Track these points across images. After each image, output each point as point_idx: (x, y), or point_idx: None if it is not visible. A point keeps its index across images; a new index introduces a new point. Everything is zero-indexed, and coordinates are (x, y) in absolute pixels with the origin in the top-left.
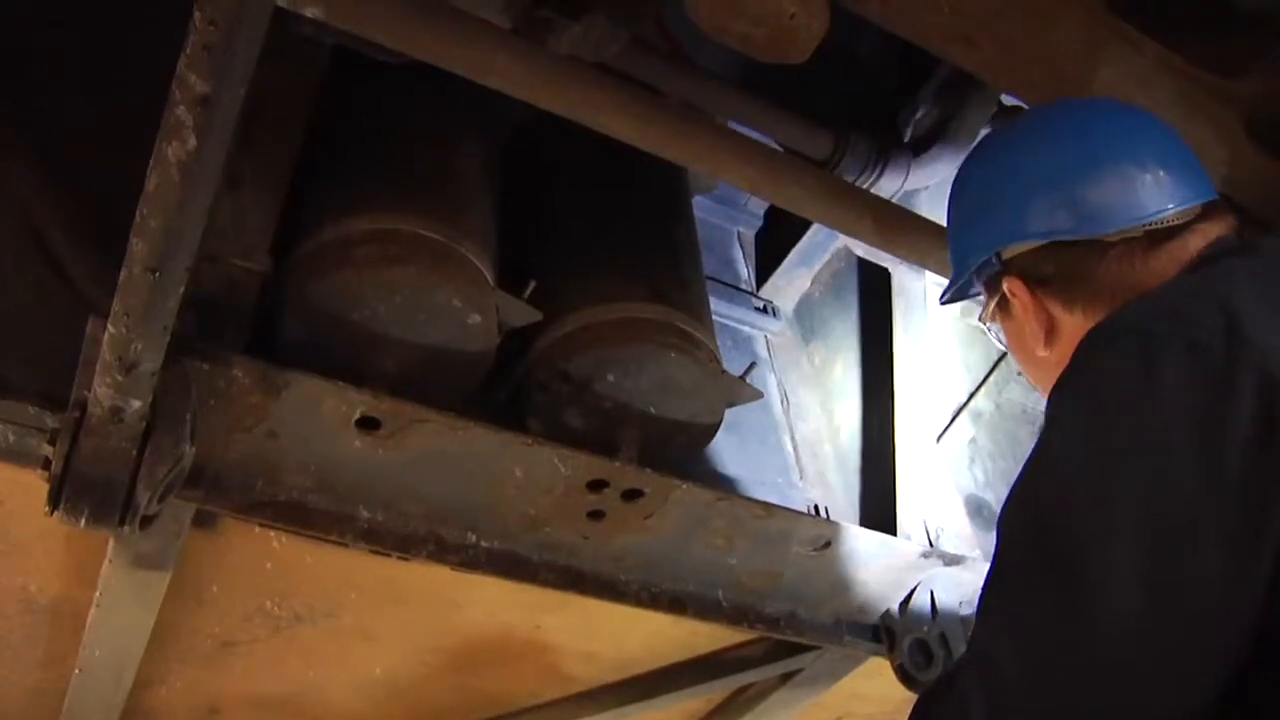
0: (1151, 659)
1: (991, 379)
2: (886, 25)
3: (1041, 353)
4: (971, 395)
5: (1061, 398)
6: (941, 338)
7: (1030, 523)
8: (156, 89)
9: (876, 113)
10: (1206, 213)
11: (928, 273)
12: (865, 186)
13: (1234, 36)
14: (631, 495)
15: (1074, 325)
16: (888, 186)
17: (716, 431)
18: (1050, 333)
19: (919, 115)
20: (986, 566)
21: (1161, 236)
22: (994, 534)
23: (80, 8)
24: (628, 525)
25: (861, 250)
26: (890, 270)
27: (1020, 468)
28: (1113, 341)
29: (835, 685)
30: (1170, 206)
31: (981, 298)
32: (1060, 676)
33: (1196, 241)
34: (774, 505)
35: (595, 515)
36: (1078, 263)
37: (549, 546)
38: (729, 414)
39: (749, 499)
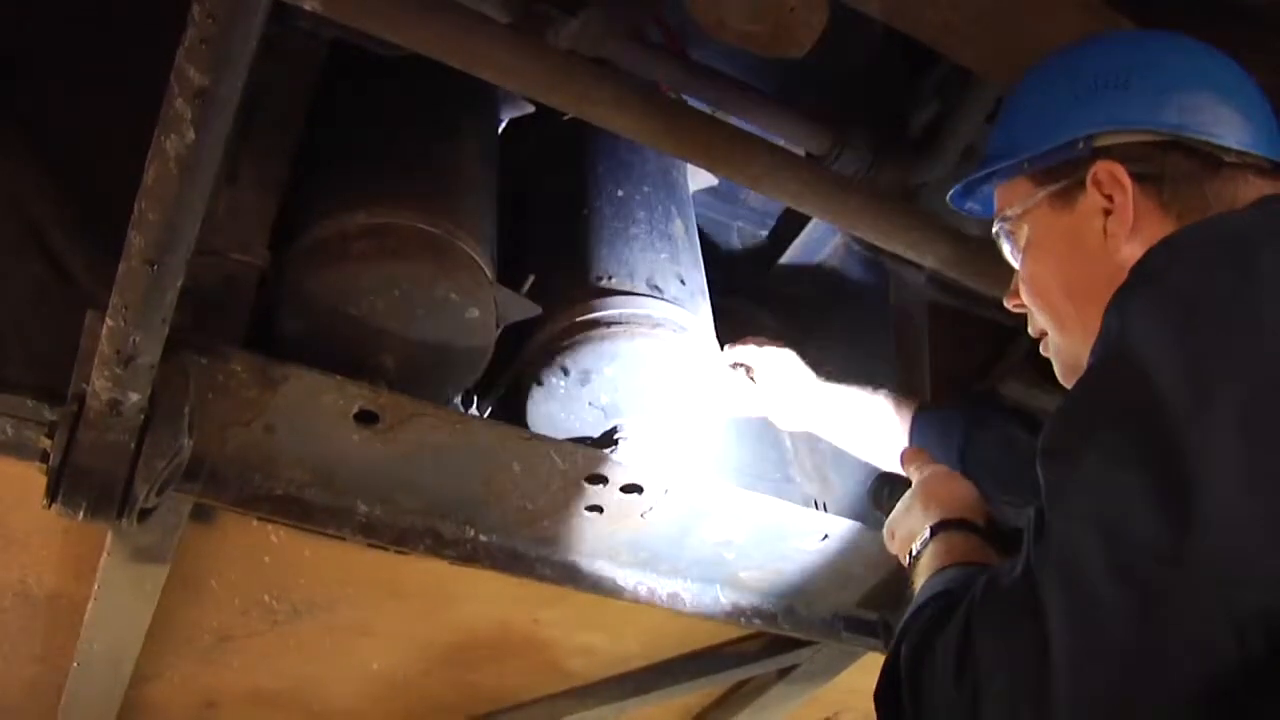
0: (1256, 556)
1: (993, 373)
2: (885, 20)
3: (1123, 248)
4: (971, 391)
5: (1139, 303)
6: (940, 333)
7: (1116, 426)
8: (155, 83)
9: (876, 108)
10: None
11: (926, 268)
12: (864, 181)
13: (1233, 31)
14: (629, 490)
15: (1160, 231)
16: (887, 181)
17: (711, 429)
18: (1133, 232)
19: (919, 110)
20: None
21: (1262, 171)
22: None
23: (79, 3)
24: (626, 520)
25: (860, 245)
26: (889, 265)
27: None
28: (1201, 245)
29: (833, 680)
30: (1274, 154)
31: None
32: (1157, 568)
33: (1270, 188)
34: (772, 500)
35: (593, 509)
36: (1191, 168)
37: (547, 541)
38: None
39: (747, 494)
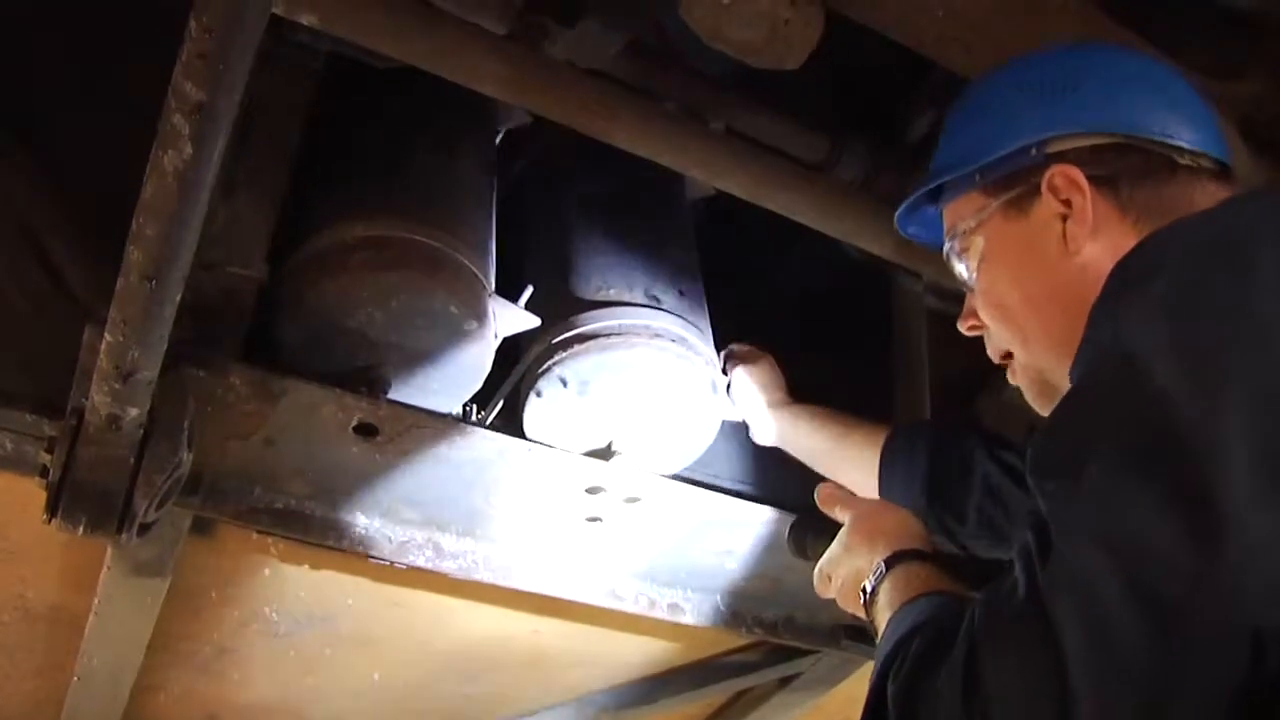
0: (1278, 566)
1: (993, 381)
2: (881, 29)
3: (1084, 250)
4: (970, 397)
5: (1130, 306)
6: (940, 342)
7: (1120, 436)
8: (154, 97)
9: (874, 116)
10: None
11: (925, 276)
12: (862, 190)
13: (1229, 38)
14: (630, 500)
15: (1120, 234)
16: (884, 190)
17: (710, 438)
18: (1092, 235)
19: (917, 118)
20: None
21: (1215, 175)
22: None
23: (80, 15)
24: (625, 530)
25: (858, 254)
26: (887, 273)
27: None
28: (1188, 245)
29: (833, 689)
30: (1227, 160)
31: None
32: (1178, 586)
33: (1225, 192)
34: (772, 509)
35: (593, 520)
36: (1148, 169)
37: (546, 552)
38: (726, 420)
39: (747, 503)
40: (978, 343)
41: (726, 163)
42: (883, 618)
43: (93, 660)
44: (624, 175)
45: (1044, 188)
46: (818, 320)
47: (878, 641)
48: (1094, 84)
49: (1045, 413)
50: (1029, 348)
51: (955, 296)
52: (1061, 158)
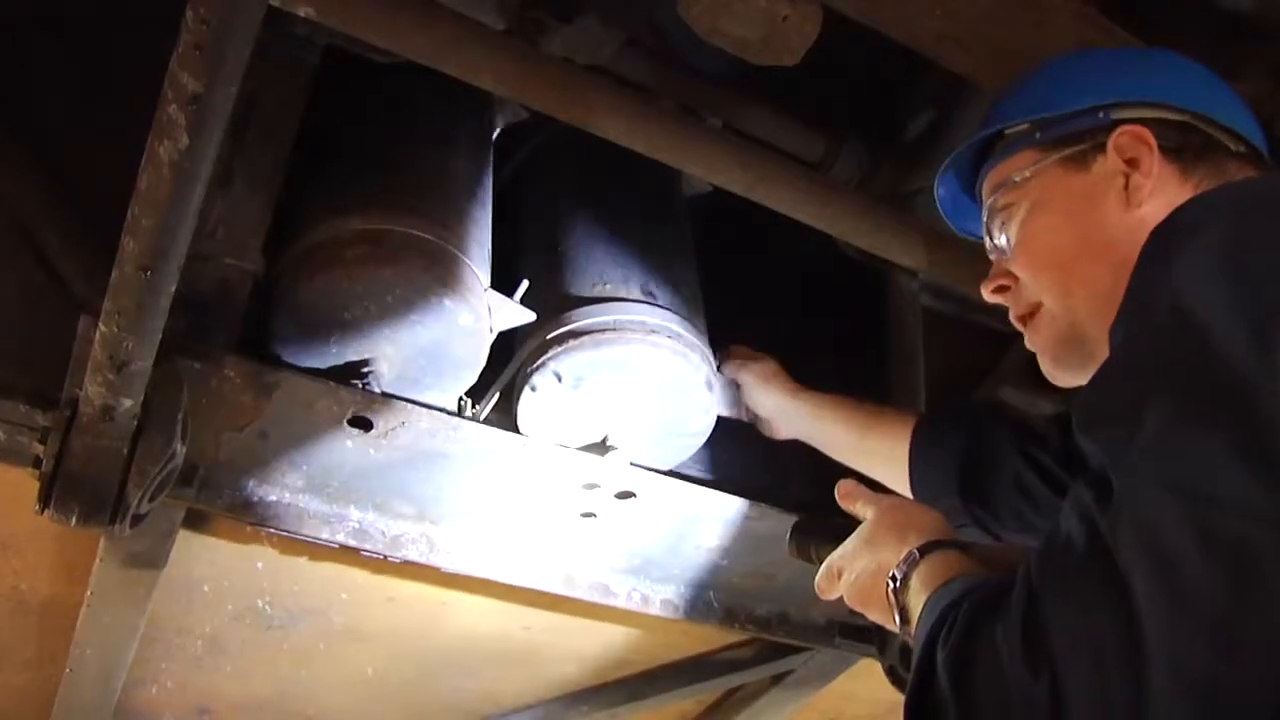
0: None
1: (989, 380)
2: (878, 28)
3: (1145, 205)
4: (966, 396)
5: (1181, 255)
6: (935, 340)
7: (1178, 381)
8: (150, 88)
9: (871, 114)
10: None
11: (920, 275)
12: (858, 188)
13: (1225, 40)
14: (623, 496)
15: (1180, 197)
16: (881, 188)
17: (704, 435)
18: (1153, 192)
19: (914, 117)
20: None
21: (1263, 170)
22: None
23: (75, 7)
24: (619, 526)
25: (855, 252)
26: (884, 272)
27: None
28: (1236, 201)
29: (826, 686)
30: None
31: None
32: (1248, 530)
33: None
34: (766, 506)
35: (587, 515)
36: (1207, 149)
37: (540, 547)
38: (721, 416)
39: (741, 500)
40: (973, 341)
41: (724, 159)
42: (917, 600)
43: (85, 653)
44: (621, 171)
45: (1110, 147)
46: (813, 318)
47: (915, 618)
48: (1166, 67)
49: (1060, 372)
50: (1070, 297)
51: (951, 295)
52: (1128, 124)
